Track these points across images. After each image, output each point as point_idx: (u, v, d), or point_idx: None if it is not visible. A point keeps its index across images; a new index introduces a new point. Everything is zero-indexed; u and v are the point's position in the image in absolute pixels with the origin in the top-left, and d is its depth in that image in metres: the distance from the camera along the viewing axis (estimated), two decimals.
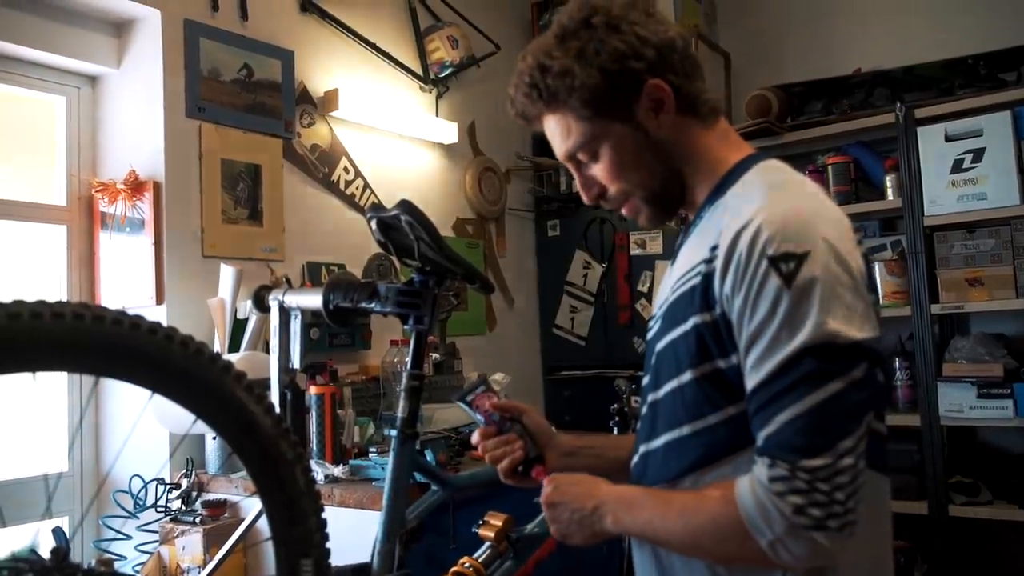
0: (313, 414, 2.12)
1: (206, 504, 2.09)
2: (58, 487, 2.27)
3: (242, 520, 1.83)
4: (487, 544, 1.40)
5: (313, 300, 1.68)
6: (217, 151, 2.43)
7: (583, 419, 3.23)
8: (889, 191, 2.98)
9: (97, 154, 2.46)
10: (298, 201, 2.69)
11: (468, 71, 3.30)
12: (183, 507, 2.14)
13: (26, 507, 2.10)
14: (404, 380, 1.49)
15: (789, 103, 3.24)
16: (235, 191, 2.48)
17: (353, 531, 1.40)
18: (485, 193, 3.45)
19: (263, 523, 1.00)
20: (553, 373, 3.67)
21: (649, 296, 3.40)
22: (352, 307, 1.58)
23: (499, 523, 1.40)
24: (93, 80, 2.47)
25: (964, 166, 2.75)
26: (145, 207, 2.31)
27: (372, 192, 2.95)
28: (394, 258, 1.58)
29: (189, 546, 2.01)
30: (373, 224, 1.48)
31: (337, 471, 2.04)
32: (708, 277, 0.97)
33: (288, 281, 2.48)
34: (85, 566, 0.88)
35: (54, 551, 0.82)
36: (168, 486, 2.18)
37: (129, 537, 2.14)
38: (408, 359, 1.50)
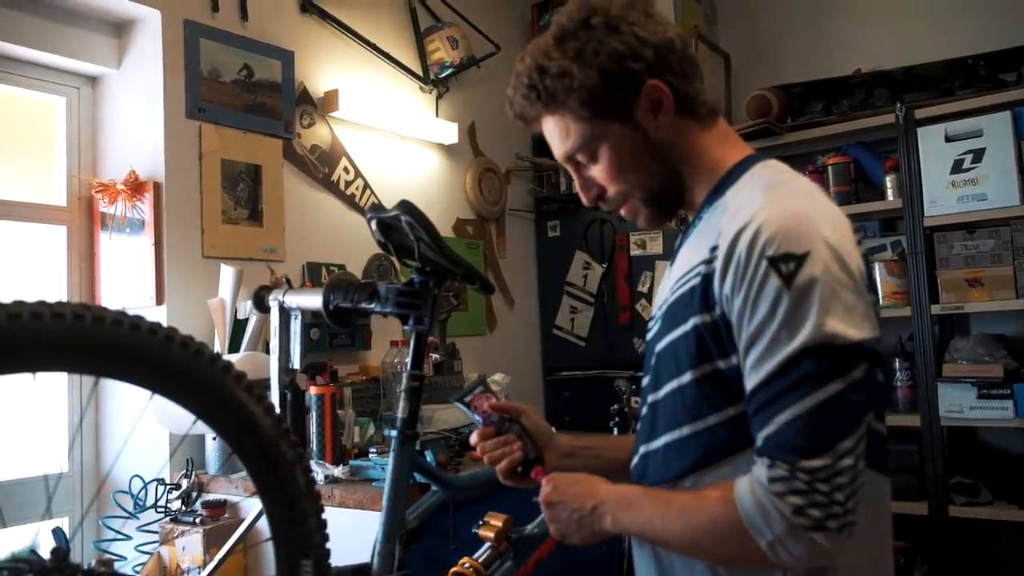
0: (313, 414, 2.12)
1: (206, 504, 2.09)
2: (58, 487, 2.27)
3: (242, 520, 1.83)
4: (487, 544, 1.40)
5: (313, 300, 1.68)
6: (217, 151, 2.43)
7: (583, 420, 3.24)
8: (889, 191, 2.98)
9: (97, 154, 2.46)
10: (298, 201, 2.69)
11: (468, 71, 3.30)
12: (183, 507, 2.14)
13: (26, 507, 2.10)
14: (404, 380, 1.49)
15: (789, 103, 3.24)
16: (235, 191, 2.48)
17: (353, 531, 1.41)
18: (485, 194, 3.45)
19: (263, 523, 1.00)
20: (553, 374, 3.67)
21: (649, 297, 3.39)
22: (352, 307, 1.58)
23: (499, 523, 1.40)
24: (93, 80, 2.48)
25: (964, 166, 2.75)
26: (145, 207, 2.31)
27: (372, 192, 2.95)
28: (394, 259, 1.58)
29: (189, 546, 2.01)
30: (373, 224, 1.48)
31: (337, 471, 2.04)
32: (708, 278, 0.97)
33: (288, 281, 2.48)
34: (85, 566, 0.88)
35: (54, 551, 0.82)
36: (168, 486, 2.18)
37: (129, 537, 2.14)
38: (408, 359, 1.50)
